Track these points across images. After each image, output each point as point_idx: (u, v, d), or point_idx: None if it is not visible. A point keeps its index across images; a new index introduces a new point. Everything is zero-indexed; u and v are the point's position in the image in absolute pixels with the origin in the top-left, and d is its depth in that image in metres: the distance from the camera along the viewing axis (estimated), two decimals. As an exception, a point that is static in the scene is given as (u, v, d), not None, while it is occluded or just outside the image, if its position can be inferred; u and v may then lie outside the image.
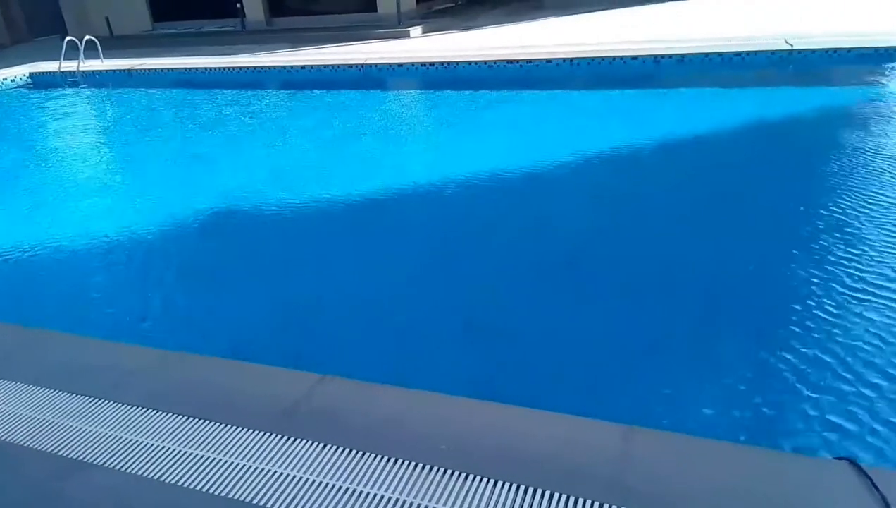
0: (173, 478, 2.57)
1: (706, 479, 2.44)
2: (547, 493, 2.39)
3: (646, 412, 3.49)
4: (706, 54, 11.20)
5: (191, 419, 2.92)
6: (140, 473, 2.61)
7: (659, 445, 2.66)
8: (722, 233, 5.60)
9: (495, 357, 4.16)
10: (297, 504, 2.41)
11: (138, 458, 2.69)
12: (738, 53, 11.04)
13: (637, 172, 7.32)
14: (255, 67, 13.91)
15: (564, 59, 11.74)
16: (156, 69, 14.55)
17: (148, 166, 8.92)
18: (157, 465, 2.65)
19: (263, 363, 3.38)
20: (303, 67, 13.51)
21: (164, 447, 2.75)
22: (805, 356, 3.81)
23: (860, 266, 4.68)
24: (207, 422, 2.88)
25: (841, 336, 3.93)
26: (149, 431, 2.86)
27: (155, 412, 2.98)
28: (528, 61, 11.95)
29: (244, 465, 2.62)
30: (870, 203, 5.78)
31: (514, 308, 4.67)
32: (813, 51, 10.75)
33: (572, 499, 2.36)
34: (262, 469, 2.59)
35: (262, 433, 2.80)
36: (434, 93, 12.07)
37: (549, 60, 11.83)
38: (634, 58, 11.47)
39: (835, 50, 10.67)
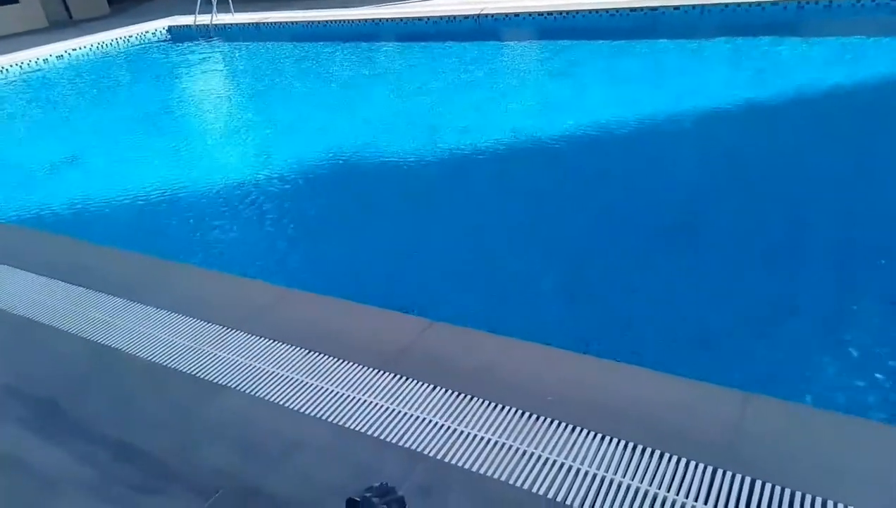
0: (293, 404, 2.75)
1: (823, 453, 2.29)
2: (657, 452, 2.34)
3: (765, 380, 3.31)
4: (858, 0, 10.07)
5: (311, 352, 3.09)
6: (264, 397, 2.82)
7: (776, 414, 2.52)
8: (858, 197, 5.11)
9: (607, 314, 4.07)
10: (407, 438, 2.51)
11: (264, 384, 2.90)
12: (897, -3, 9.84)
13: (768, 128, 6.78)
14: (373, 20, 14.07)
15: (693, 6, 10.96)
16: (282, 22, 15.08)
17: (275, 116, 9.34)
18: (280, 391, 2.84)
19: (376, 306, 3.50)
20: (419, 19, 13.50)
21: (286, 376, 2.94)
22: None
23: None
24: (325, 356, 3.05)
25: None
26: (273, 360, 3.06)
27: (279, 343, 3.19)
28: (653, 9, 11.27)
29: (358, 398, 2.75)
30: None
31: (629, 267, 4.53)
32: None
33: (683, 461, 2.30)
34: (374, 404, 2.71)
35: (374, 370, 2.92)
36: (553, 43, 11.68)
37: (676, 8, 11.10)
38: (774, 3, 10.51)
39: None
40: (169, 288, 3.86)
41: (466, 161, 6.70)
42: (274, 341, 3.21)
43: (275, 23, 15.13)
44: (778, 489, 2.15)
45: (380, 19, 14.04)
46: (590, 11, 11.80)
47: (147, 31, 15.95)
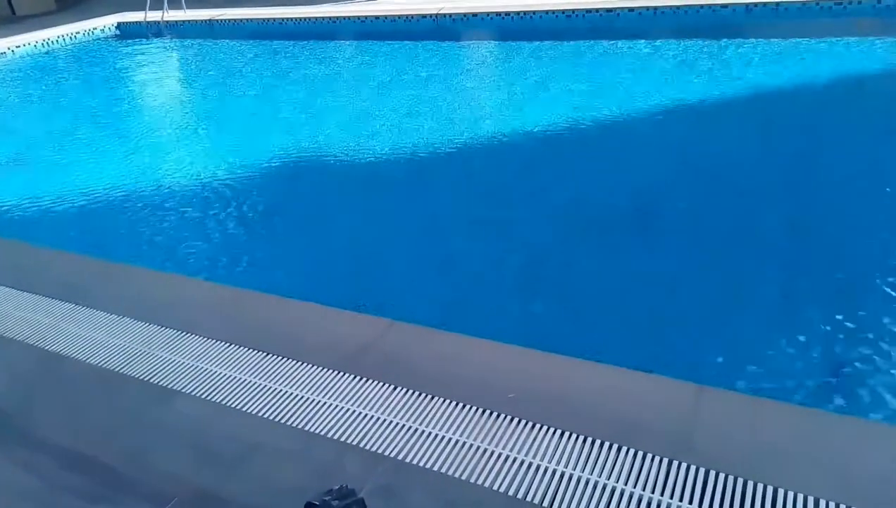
0: (251, 408, 2.70)
1: (774, 442, 2.36)
2: (615, 446, 2.38)
3: (717, 372, 3.39)
4: (803, 3, 10.43)
5: (268, 354, 3.04)
6: (220, 402, 2.76)
7: (729, 405, 2.59)
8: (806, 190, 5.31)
9: (563, 310, 4.12)
10: (367, 439, 2.49)
11: (219, 388, 2.84)
12: (839, 2, 10.23)
13: (716, 127, 6.97)
14: (330, 18, 13.93)
15: (648, 8, 11.18)
16: (236, 19, 14.79)
17: (226, 115, 9.16)
18: (237, 395, 2.79)
19: (334, 307, 3.46)
20: (377, 18, 13.43)
21: (243, 379, 2.89)
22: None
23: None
24: (283, 358, 3.00)
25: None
26: (229, 363, 3.00)
27: (234, 346, 3.12)
28: (609, 10, 11.46)
29: (317, 400, 2.72)
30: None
31: (582, 262, 4.60)
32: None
33: (640, 453, 2.34)
34: (333, 405, 2.69)
35: (333, 371, 2.89)
36: (509, 44, 11.77)
37: (631, 10, 11.31)
38: (724, 6, 10.81)
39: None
40: (119, 291, 3.75)
41: (424, 159, 6.69)
42: (229, 343, 3.15)
43: (229, 20, 14.85)
44: (731, 478, 2.21)
45: (337, 17, 13.91)
46: (547, 12, 11.93)
47: (95, 28, 15.46)
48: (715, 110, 7.41)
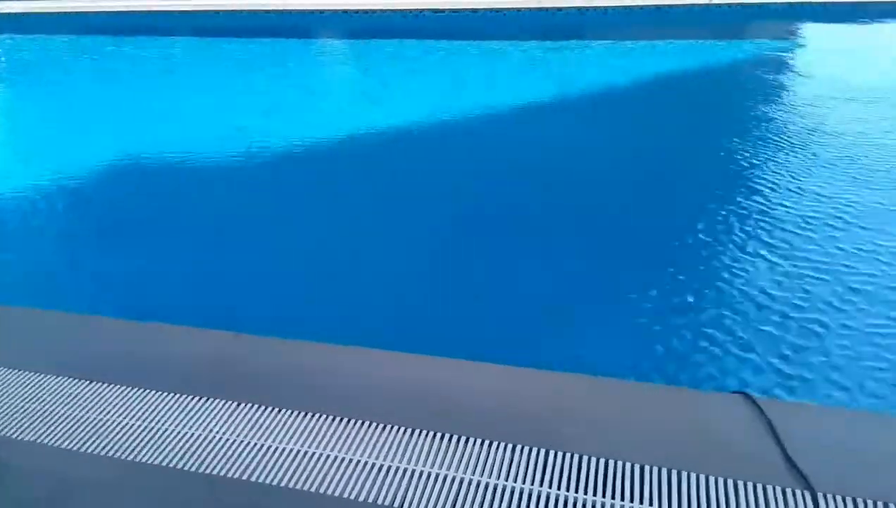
0: (75, 445, 2.46)
1: (609, 417, 2.54)
2: (486, 442, 2.42)
3: (575, 359, 3.59)
4: (629, 7, 11.31)
5: (89, 382, 2.78)
6: (40, 441, 2.49)
7: (587, 390, 2.73)
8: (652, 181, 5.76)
9: (421, 310, 4.16)
10: (211, 463, 2.36)
11: (38, 426, 2.56)
12: (660, 7, 11.22)
13: (551, 123, 7.37)
14: (161, 11, 13.06)
15: (489, 9, 11.59)
16: (52, 13, 13.45)
17: (32, 115, 8.30)
18: (59, 433, 2.52)
19: (170, 323, 3.25)
20: (205, 12, 12.78)
21: (64, 413, 2.62)
22: (719, 298, 4.00)
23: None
24: (108, 385, 2.76)
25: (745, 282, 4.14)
26: (46, 398, 2.71)
27: (51, 376, 2.83)
28: (455, 11, 11.74)
29: (151, 427, 2.53)
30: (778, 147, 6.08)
31: (427, 264, 4.67)
32: (730, 5, 11.03)
33: (510, 446, 2.39)
34: (171, 431, 2.51)
35: (169, 394, 2.71)
36: (358, 42, 11.70)
37: (474, 10, 11.66)
38: (559, 9, 11.46)
39: (751, 4, 10.98)
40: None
41: (248, 162, 6.46)
42: (45, 374, 2.84)
43: (44, 13, 13.47)
44: (567, 455, 2.34)
45: (169, 11, 13.07)
46: (395, 11, 12.00)
47: None
48: (552, 108, 7.82)
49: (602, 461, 2.31)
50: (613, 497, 2.18)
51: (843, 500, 2.12)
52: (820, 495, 2.14)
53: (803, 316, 3.75)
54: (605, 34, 10.79)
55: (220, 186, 6.06)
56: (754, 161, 5.87)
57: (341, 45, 12.00)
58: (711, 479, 2.23)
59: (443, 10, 11.68)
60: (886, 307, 3.79)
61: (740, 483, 2.20)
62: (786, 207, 5.00)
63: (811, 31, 10.68)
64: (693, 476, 2.24)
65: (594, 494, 2.19)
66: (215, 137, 7.18)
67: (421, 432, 2.47)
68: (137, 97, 8.90)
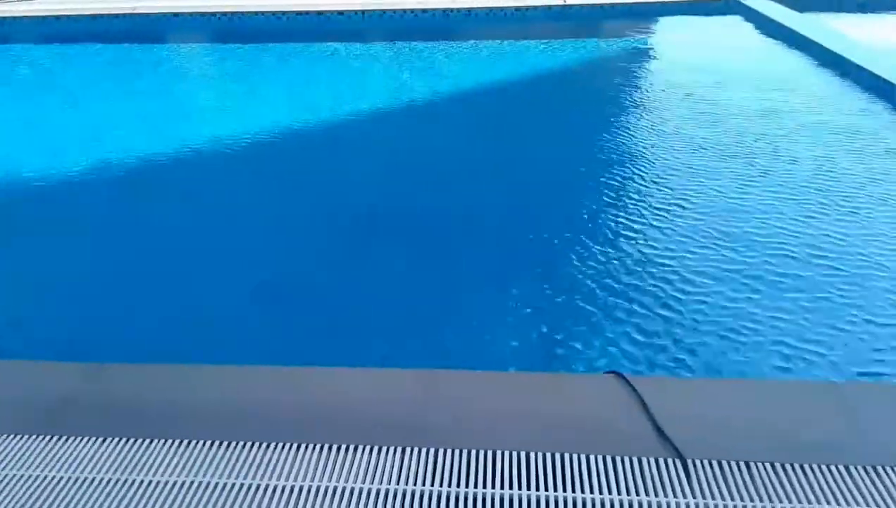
0: None
1: (496, 410, 2.60)
2: (351, 447, 2.39)
3: (446, 355, 3.64)
4: (490, 9, 11.66)
5: (-73, 435, 2.47)
6: None
7: (453, 384, 2.77)
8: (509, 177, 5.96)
9: (290, 319, 4.05)
10: (72, 505, 2.16)
11: None
12: (518, 8, 11.64)
13: (428, 124, 7.48)
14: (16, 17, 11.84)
15: (356, 11, 11.52)
16: None
17: None
18: None
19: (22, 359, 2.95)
20: (58, 18, 11.77)
21: None
22: (588, 286, 4.20)
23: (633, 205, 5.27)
24: (-51, 435, 2.46)
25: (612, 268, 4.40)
26: None
27: None
28: (320, 13, 11.55)
29: (6, 474, 2.28)
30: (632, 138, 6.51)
31: (310, 270, 4.57)
32: (582, 6, 11.68)
33: (397, 450, 2.37)
34: (28, 476, 2.27)
35: (27, 436, 2.45)
36: (218, 46, 11.22)
37: (340, 13, 11.54)
38: (424, 10, 11.60)
39: (603, 6, 11.69)
40: None
41: (123, 175, 6.06)
42: None
43: None
44: (458, 452, 2.36)
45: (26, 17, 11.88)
46: (257, 14, 11.61)
47: None
48: (428, 109, 7.91)
49: (489, 452, 2.36)
50: (502, 487, 2.22)
51: (710, 464, 2.30)
52: (689, 462, 2.30)
53: (657, 299, 4.01)
54: (469, 36, 11.06)
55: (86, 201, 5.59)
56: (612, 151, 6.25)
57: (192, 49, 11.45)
58: (592, 458, 2.33)
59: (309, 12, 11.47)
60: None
61: (618, 459, 2.33)
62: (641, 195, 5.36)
63: (655, 27, 11.57)
64: (575, 456, 2.34)
65: (483, 486, 2.23)
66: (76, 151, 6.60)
67: (307, 446, 2.40)
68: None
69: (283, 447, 2.40)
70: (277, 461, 2.35)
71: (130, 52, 10.60)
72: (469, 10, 11.62)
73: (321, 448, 2.39)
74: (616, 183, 5.62)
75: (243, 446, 2.41)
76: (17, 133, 7.27)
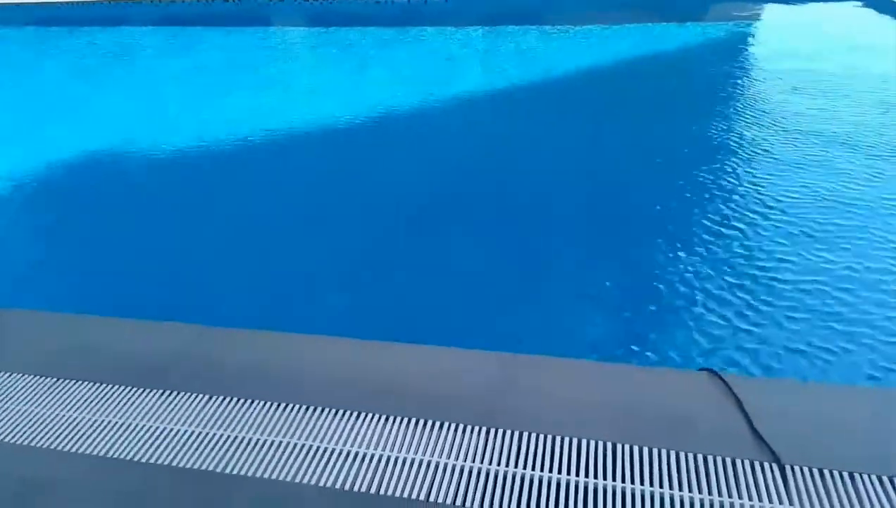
0: (39, 442, 2.39)
1: (581, 399, 2.57)
2: (436, 423, 2.43)
3: (523, 339, 3.62)
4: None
5: (52, 379, 2.71)
6: (6, 440, 2.41)
7: (530, 369, 2.75)
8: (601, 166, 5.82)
9: (370, 298, 4.14)
10: (179, 457, 2.32)
11: (11, 426, 2.48)
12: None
13: (513, 108, 7.39)
14: (116, 1, 12.68)
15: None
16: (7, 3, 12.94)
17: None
18: (21, 430, 2.45)
19: (136, 318, 3.18)
20: (172, 2, 12.46)
21: (26, 410, 2.54)
22: (680, 280, 4.06)
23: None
24: (73, 381, 2.69)
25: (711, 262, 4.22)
26: (6, 395, 2.63)
27: (10, 374, 2.74)
28: None
29: (119, 423, 2.48)
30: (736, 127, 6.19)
31: (389, 247, 4.65)
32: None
33: (461, 426, 2.41)
34: (139, 426, 2.46)
35: (136, 389, 2.65)
36: (318, 30, 11.52)
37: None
38: None
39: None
40: None
41: (225, 152, 6.35)
42: (13, 373, 2.76)
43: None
44: (542, 437, 2.36)
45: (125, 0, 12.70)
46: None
47: None
48: (509, 97, 7.82)
49: (574, 440, 2.34)
50: (587, 476, 2.20)
51: (810, 471, 2.19)
52: (787, 466, 2.20)
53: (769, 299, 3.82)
54: (566, 19, 10.82)
55: (185, 179, 5.93)
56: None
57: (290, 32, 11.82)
58: (682, 455, 2.27)
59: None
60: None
61: (710, 458, 2.25)
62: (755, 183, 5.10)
63: (763, 11, 10.88)
64: (664, 452, 2.28)
65: (568, 473, 2.22)
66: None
67: (395, 419, 2.46)
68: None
69: (371, 417, 2.48)
70: (367, 431, 2.42)
71: (238, 35, 11.07)
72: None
73: (408, 422, 2.45)
74: (717, 178, 5.37)
75: (335, 414, 2.50)
76: (136, 111, 7.75)
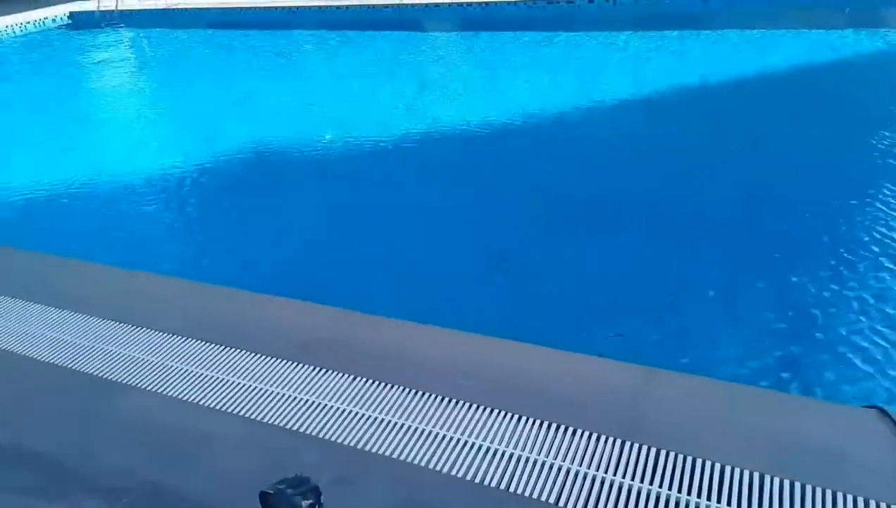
0: (203, 400, 2.66)
1: (728, 423, 2.42)
2: (570, 429, 2.41)
3: (668, 355, 3.46)
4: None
5: (221, 346, 3.00)
6: (172, 395, 2.71)
7: (676, 386, 2.64)
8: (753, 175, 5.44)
9: (515, 297, 4.15)
10: (323, 429, 2.48)
11: (171, 381, 2.79)
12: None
13: (667, 112, 7.09)
14: (289, 7, 13.71)
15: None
16: (193, 8, 14.47)
17: (177, 106, 8.97)
18: (189, 388, 2.74)
19: (287, 297, 3.42)
20: (338, 8, 13.27)
21: (195, 371, 2.84)
22: (841, 303, 3.71)
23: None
24: (236, 350, 2.96)
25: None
26: (181, 356, 2.95)
27: (186, 338, 3.07)
28: (570, 2, 11.53)
29: (271, 391, 2.69)
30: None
31: (533, 249, 4.64)
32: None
33: (595, 435, 2.37)
34: (288, 396, 2.66)
35: (287, 361, 2.86)
36: (472, 34, 11.73)
37: (590, 1, 11.40)
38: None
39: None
40: (71, 287, 3.64)
41: (382, 149, 6.66)
42: (181, 336, 3.09)
43: (185, 8, 14.51)
44: (681, 457, 2.25)
45: (296, 7, 13.70)
46: (508, 3, 11.94)
47: (47, 17, 14.95)
48: (669, 102, 7.52)
49: (717, 465, 2.21)
50: (729, 504, 2.08)
51: None
52: (969, 525, 1.94)
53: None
54: (730, 23, 10.19)
55: (348, 173, 6.31)
56: None
57: (450, 37, 12.11)
58: (839, 495, 2.07)
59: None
60: None
61: (872, 502, 2.04)
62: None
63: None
64: (818, 489, 2.10)
65: (707, 499, 2.10)
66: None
67: (528, 419, 2.47)
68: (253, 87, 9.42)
69: (505, 414, 2.50)
70: (500, 427, 2.45)
71: (396, 41, 11.58)
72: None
73: (541, 423, 2.44)
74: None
75: (468, 406, 2.55)
76: (298, 106, 8.36)
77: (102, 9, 14.79)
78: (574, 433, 2.39)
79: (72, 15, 15.24)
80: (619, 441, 2.34)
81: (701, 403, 2.53)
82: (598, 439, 2.36)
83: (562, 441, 2.36)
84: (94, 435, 2.56)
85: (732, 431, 2.37)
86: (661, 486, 2.15)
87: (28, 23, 14.53)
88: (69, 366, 2.94)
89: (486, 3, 12.04)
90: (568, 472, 2.24)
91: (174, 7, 14.56)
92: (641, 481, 2.18)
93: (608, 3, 11.23)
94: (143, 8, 14.81)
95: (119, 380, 2.82)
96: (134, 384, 2.78)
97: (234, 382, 2.76)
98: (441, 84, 9.05)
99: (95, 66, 11.65)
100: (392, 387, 2.68)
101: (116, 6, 14.79)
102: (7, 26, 14.09)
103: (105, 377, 2.85)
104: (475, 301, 4.10)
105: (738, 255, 4.40)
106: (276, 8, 13.76)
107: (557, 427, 2.42)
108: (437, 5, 12.55)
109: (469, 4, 12.18)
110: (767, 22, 10.03)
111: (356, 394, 2.66)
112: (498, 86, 8.69)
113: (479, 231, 4.98)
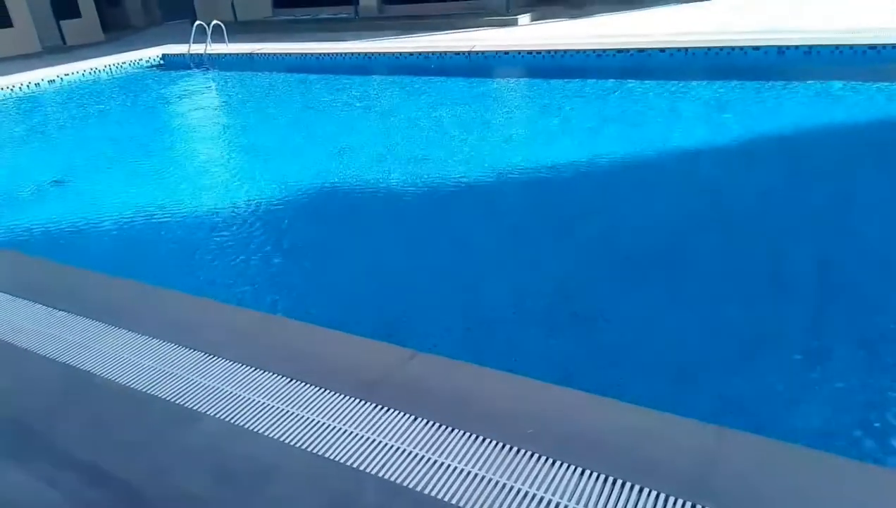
0: (271, 432, 2.72)
1: (794, 487, 2.29)
2: (636, 487, 2.33)
3: (741, 414, 3.32)
4: (836, 46, 10.39)
5: (291, 379, 3.07)
6: (242, 425, 2.78)
7: (750, 448, 2.52)
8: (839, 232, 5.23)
9: (584, 346, 4.09)
10: (385, 469, 2.49)
11: (242, 411, 2.87)
12: (873, 46, 10.16)
13: (751, 168, 6.93)
14: (365, 53, 14.29)
15: (679, 49, 11.26)
16: (275, 53, 15.27)
17: (263, 144, 9.40)
18: (258, 419, 2.81)
19: (359, 335, 3.49)
20: (410, 54, 13.73)
21: (265, 403, 2.91)
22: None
23: None
24: (305, 384, 3.03)
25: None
26: (253, 387, 3.03)
27: (259, 370, 3.16)
28: (640, 50, 11.55)
29: (336, 427, 2.73)
30: None
31: (606, 299, 4.57)
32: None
33: (661, 495, 2.29)
34: (353, 433, 2.69)
35: (354, 399, 2.90)
36: (540, 81, 11.91)
37: (662, 50, 11.39)
38: (756, 48, 10.82)
39: None
40: (149, 313, 3.83)
41: (451, 192, 6.77)
42: (255, 368, 3.18)
43: (268, 54, 15.33)
44: (755, 525, 2.15)
45: (372, 53, 14.26)
46: (577, 51, 12.07)
47: (141, 59, 16.08)
48: (745, 152, 7.38)
49: (795, 537, 2.09)
50: (807, 581, 1.95)
51: None
52: None
53: None
54: (812, 75, 9.97)
55: (417, 214, 6.46)
56: None
57: (517, 84, 12.29)
58: (933, 582, 1.92)
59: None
60: None
61: (972, 594, 1.87)
62: None
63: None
64: (909, 574, 1.95)
65: (784, 572, 1.98)
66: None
67: (592, 473, 2.40)
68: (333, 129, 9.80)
69: (567, 467, 2.44)
70: (562, 481, 2.39)
71: (467, 86, 11.87)
72: (809, 47, 10.51)
73: (605, 479, 2.38)
74: None
75: (530, 456, 2.51)
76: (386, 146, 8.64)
77: (192, 52, 15.79)
78: (641, 491, 2.32)
79: (164, 57, 16.33)
80: (688, 504, 2.24)
81: (779, 469, 2.40)
82: (665, 500, 2.27)
83: (627, 499, 2.29)
84: (165, 459, 2.65)
85: (815, 503, 2.24)
86: (733, 555, 2.05)
87: (125, 63, 15.65)
88: (145, 390, 3.07)
89: (555, 52, 12.21)
90: (633, 532, 2.16)
91: (259, 52, 15.39)
92: (712, 548, 2.08)
93: (680, 53, 11.20)
94: (229, 52, 15.72)
95: (191, 407, 2.92)
96: (206, 412, 2.88)
97: (301, 415, 2.82)
98: (503, 126, 9.18)
99: (181, 102, 12.40)
100: (455, 431, 2.67)
101: (205, 50, 15.76)
102: (106, 66, 15.21)
103: (180, 402, 2.95)
104: (543, 349, 4.07)
105: (818, 312, 4.21)
106: (350, 54, 14.35)
107: (623, 484, 2.35)
108: (506, 53, 12.82)
109: (539, 53, 12.38)
110: (849, 74, 9.75)
111: (419, 436, 2.66)
112: (570, 130, 8.74)
113: (551, 277, 4.96)
